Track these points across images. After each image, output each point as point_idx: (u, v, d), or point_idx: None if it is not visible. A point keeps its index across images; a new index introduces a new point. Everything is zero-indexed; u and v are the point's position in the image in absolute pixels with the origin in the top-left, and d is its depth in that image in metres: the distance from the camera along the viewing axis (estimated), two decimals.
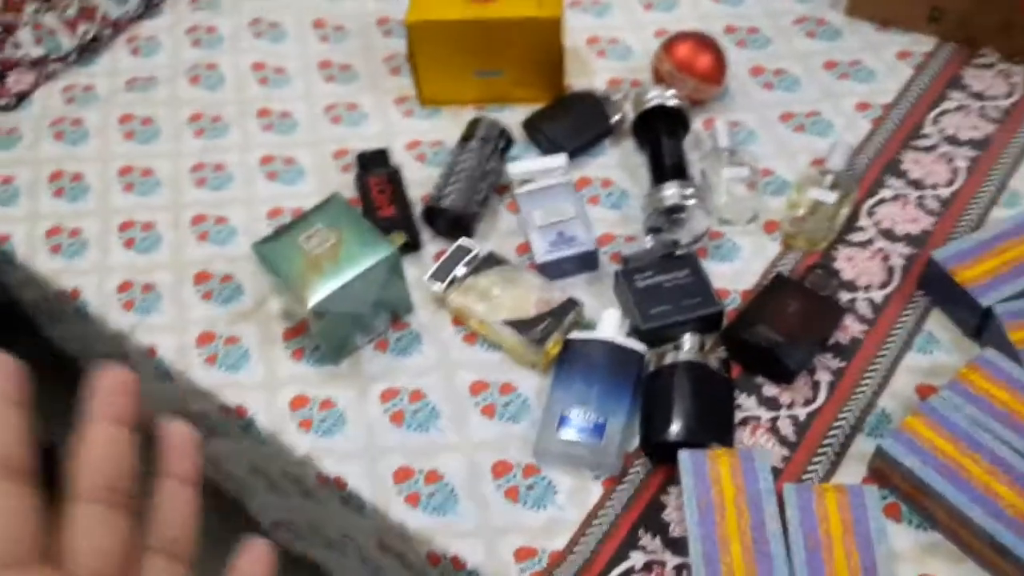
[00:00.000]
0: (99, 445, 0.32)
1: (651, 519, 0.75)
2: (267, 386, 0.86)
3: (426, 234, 0.96)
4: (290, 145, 1.06)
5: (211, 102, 1.12)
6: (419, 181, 1.00)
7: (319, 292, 0.81)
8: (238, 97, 1.12)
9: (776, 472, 0.77)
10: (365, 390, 0.85)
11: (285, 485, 0.91)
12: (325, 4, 1.22)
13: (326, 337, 0.85)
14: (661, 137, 0.96)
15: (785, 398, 0.81)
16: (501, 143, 0.98)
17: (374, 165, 0.98)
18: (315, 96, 1.11)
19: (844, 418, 0.79)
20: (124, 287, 0.95)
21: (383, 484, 0.79)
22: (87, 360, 1.11)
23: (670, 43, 1.02)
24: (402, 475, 0.79)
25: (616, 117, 1.02)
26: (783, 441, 0.78)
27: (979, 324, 0.81)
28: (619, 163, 1.01)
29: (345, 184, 1.00)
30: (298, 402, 0.85)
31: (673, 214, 0.91)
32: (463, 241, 0.91)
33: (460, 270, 0.89)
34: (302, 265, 0.82)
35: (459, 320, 0.89)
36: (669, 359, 0.80)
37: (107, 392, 0.33)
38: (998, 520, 0.67)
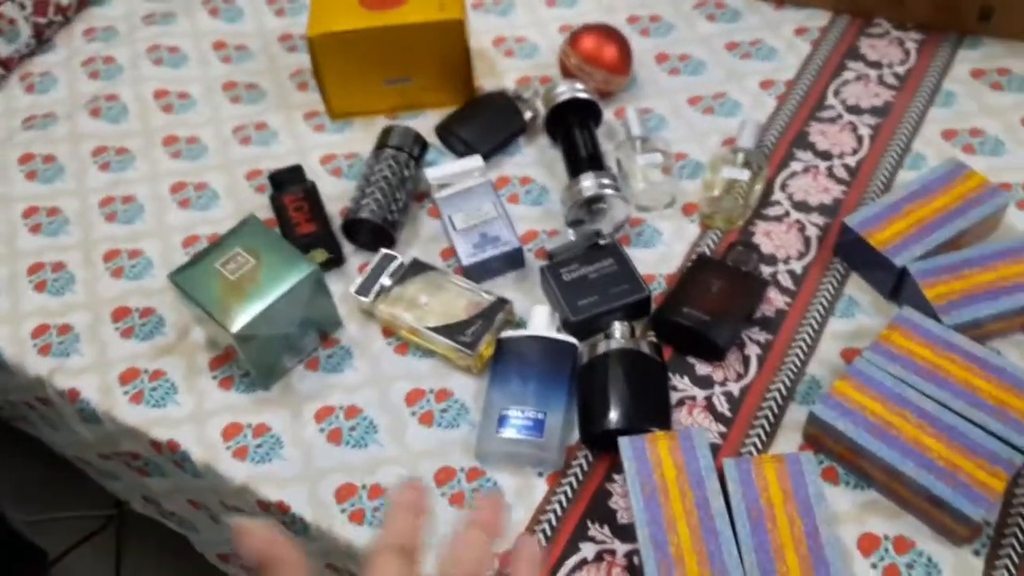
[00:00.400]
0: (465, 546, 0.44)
1: (598, 509, 0.75)
2: (197, 418, 0.84)
3: (348, 248, 0.95)
4: (200, 171, 1.04)
5: (115, 134, 1.09)
6: (337, 195, 0.99)
7: (242, 317, 0.79)
8: (143, 127, 1.09)
9: (715, 448, 0.78)
10: (299, 412, 0.84)
11: (226, 516, 0.89)
12: (224, 25, 1.20)
13: (254, 362, 0.83)
14: (574, 130, 0.97)
15: (718, 375, 0.82)
16: (416, 150, 0.98)
17: (288, 183, 0.96)
18: (222, 119, 1.09)
19: (776, 389, 0.81)
20: (39, 331, 0.91)
21: (326, 504, 0.78)
22: (11, 410, 1.06)
23: (575, 37, 1.03)
24: (345, 493, 0.78)
25: (528, 115, 1.02)
26: (719, 417, 0.79)
27: (895, 284, 0.84)
28: (536, 160, 1.01)
29: (261, 205, 0.98)
30: (231, 431, 0.83)
31: (593, 205, 0.91)
32: (386, 251, 0.90)
33: (386, 280, 0.88)
34: (222, 291, 0.80)
35: (389, 331, 0.88)
36: (601, 348, 0.81)
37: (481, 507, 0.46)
38: (929, 472, 0.69)
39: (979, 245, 0.82)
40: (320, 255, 0.91)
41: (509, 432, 0.78)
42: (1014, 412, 0.71)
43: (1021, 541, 0.70)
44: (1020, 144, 0.96)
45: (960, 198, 0.85)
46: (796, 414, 0.79)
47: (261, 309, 0.79)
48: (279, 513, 0.79)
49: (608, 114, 1.03)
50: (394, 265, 0.89)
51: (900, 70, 1.04)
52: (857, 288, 0.87)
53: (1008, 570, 0.69)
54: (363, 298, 0.88)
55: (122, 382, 0.87)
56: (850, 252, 0.87)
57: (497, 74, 1.10)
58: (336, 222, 0.96)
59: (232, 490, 0.82)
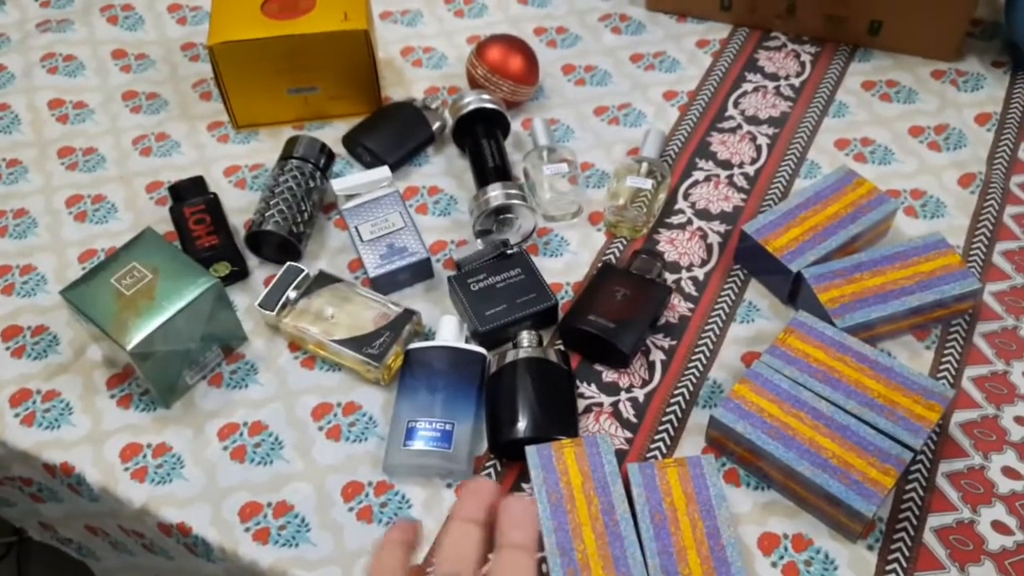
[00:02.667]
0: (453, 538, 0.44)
1: None
2: (93, 439, 0.81)
3: (253, 260, 0.93)
4: (98, 183, 1.01)
5: (6, 145, 1.04)
6: (241, 207, 0.97)
7: (138, 333, 0.77)
8: (36, 138, 1.05)
9: (622, 454, 0.79)
10: (201, 429, 0.81)
11: (126, 541, 0.86)
12: (124, 34, 1.17)
13: (153, 379, 0.81)
14: (481, 140, 0.97)
15: (624, 381, 0.83)
16: (322, 160, 0.97)
17: (189, 195, 0.94)
18: (121, 129, 1.06)
19: (679, 394, 0.82)
20: None
21: (229, 524, 0.76)
22: None
23: (482, 47, 1.03)
24: (249, 512, 0.76)
25: (436, 125, 1.02)
26: (625, 423, 0.81)
27: (792, 289, 0.86)
28: (444, 170, 1.01)
29: (162, 218, 0.96)
30: (129, 451, 0.80)
31: (500, 215, 0.92)
32: (291, 263, 0.89)
33: (291, 293, 0.87)
34: (117, 307, 0.78)
35: (296, 345, 0.87)
36: (509, 358, 0.81)
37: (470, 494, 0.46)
38: (824, 471, 0.72)
39: (870, 250, 0.86)
40: (223, 268, 0.89)
41: (417, 444, 0.77)
42: (902, 410, 0.74)
43: (911, 535, 0.73)
44: (908, 153, 1.00)
45: (851, 205, 0.89)
46: (699, 418, 0.81)
47: (158, 324, 0.77)
48: (181, 535, 0.77)
49: (515, 124, 1.04)
50: (300, 278, 0.88)
51: (796, 82, 1.07)
52: (757, 293, 0.89)
53: (899, 563, 0.72)
54: (268, 312, 0.86)
55: (12, 404, 0.84)
56: (749, 258, 0.90)
57: (405, 84, 1.09)
58: (240, 235, 0.94)
59: (131, 513, 0.79)
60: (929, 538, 0.73)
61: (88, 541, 0.93)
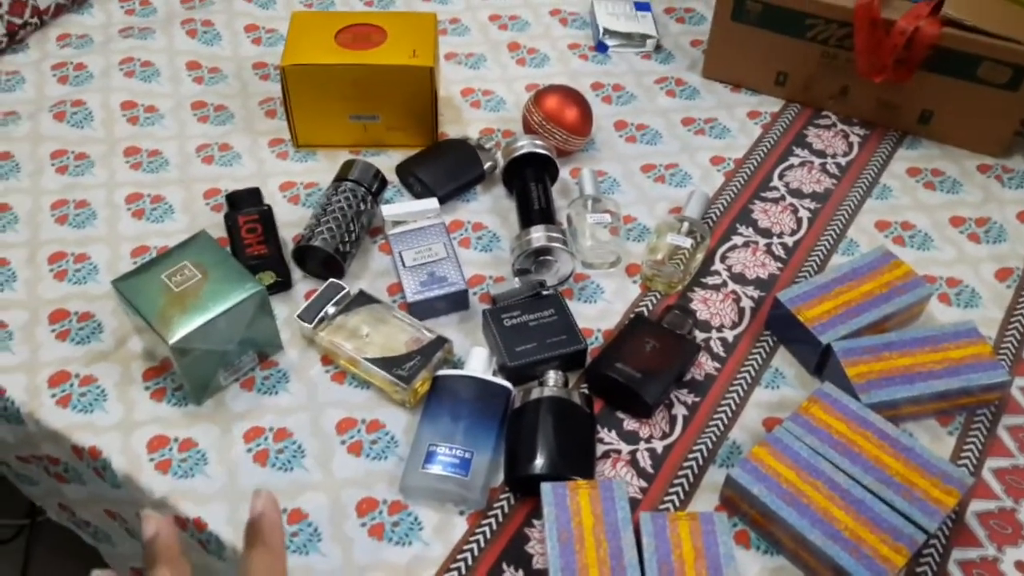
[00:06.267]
0: None
1: (515, 552, 0.76)
2: (123, 427, 0.83)
3: (297, 274, 0.96)
4: (159, 183, 1.05)
5: (76, 139, 1.09)
6: (292, 222, 1.00)
7: (181, 329, 0.79)
8: (106, 135, 1.10)
9: (635, 503, 0.79)
10: (228, 429, 0.83)
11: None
12: (200, 46, 1.22)
13: (189, 376, 0.83)
14: (529, 184, 1.00)
15: (644, 432, 0.84)
16: (375, 185, 1.00)
17: (244, 204, 0.97)
18: (187, 135, 1.10)
19: (698, 450, 0.83)
20: None
21: (244, 525, 0.77)
22: None
23: (540, 95, 1.07)
24: None
25: (488, 164, 1.05)
26: (641, 473, 0.81)
27: (820, 360, 0.87)
28: (490, 208, 1.04)
29: (216, 224, 0.99)
30: (157, 443, 0.83)
31: (540, 256, 0.94)
32: (334, 280, 0.92)
33: (330, 309, 0.89)
34: (164, 302, 0.81)
35: (329, 359, 0.89)
36: (534, 395, 0.82)
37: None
38: (835, 542, 0.72)
39: (901, 331, 0.87)
40: (268, 277, 0.92)
41: (435, 468, 0.79)
42: (919, 492, 0.75)
43: None
44: (947, 241, 1.01)
45: (887, 285, 0.90)
46: (715, 476, 0.81)
47: (201, 323, 0.80)
48: (196, 531, 0.79)
49: (564, 172, 1.07)
50: (340, 295, 0.90)
51: (842, 161, 1.09)
52: (784, 361, 0.90)
53: None
54: (306, 323, 0.88)
55: (50, 385, 0.86)
56: (780, 326, 0.91)
57: (462, 122, 1.13)
58: (288, 247, 0.97)
59: (150, 503, 0.81)
60: None
61: (106, 525, 0.94)
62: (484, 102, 1.16)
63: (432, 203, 0.97)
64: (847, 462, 0.77)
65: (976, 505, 0.79)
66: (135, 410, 0.85)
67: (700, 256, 0.97)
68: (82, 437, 0.83)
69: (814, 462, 0.77)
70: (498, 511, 0.79)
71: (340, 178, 0.99)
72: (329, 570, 0.75)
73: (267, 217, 0.96)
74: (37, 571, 1.33)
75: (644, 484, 0.81)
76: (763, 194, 1.06)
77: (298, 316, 0.89)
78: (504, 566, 0.75)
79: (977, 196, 1.06)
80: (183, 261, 0.84)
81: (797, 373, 0.89)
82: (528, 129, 1.08)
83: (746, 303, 0.95)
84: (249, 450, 0.82)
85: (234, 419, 0.84)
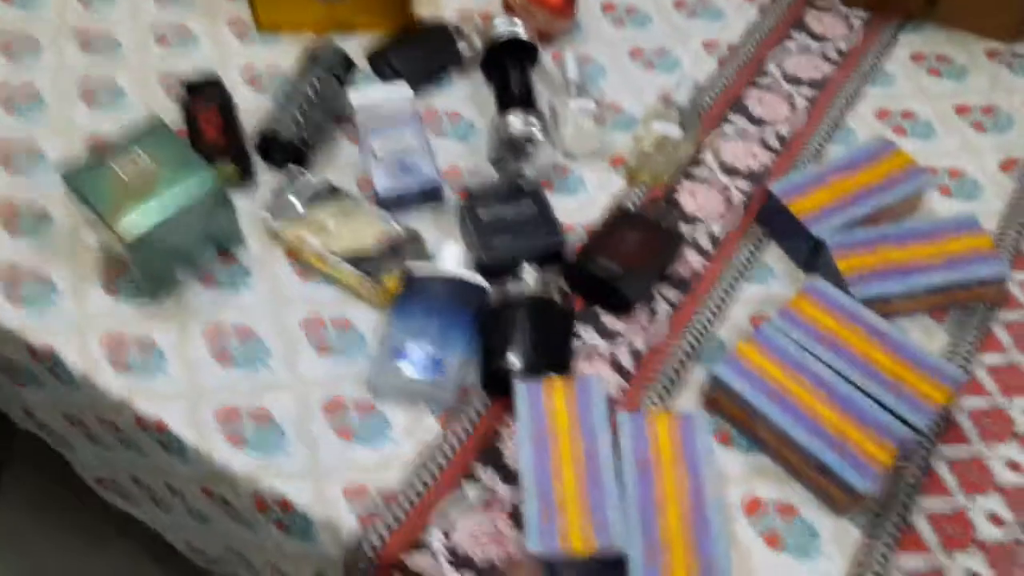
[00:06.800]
0: None
1: (488, 452, 0.74)
2: (78, 326, 0.79)
3: (260, 165, 0.90)
4: (112, 69, 0.98)
5: (22, 20, 1.02)
6: (254, 110, 0.94)
7: (134, 223, 0.74)
8: (55, 17, 1.02)
9: (614, 402, 0.76)
10: (187, 327, 0.80)
11: (103, 434, 0.85)
12: None
13: (144, 272, 0.79)
14: (509, 68, 0.94)
15: (624, 329, 0.81)
16: (342, 71, 0.93)
17: (202, 91, 0.91)
18: (143, 18, 1.03)
19: (681, 348, 0.80)
20: None
21: (206, 426, 0.74)
22: None
23: None
24: (226, 416, 0.75)
25: (464, 48, 0.98)
26: (621, 371, 0.78)
27: (811, 256, 0.83)
28: (468, 96, 0.98)
29: (173, 112, 0.93)
30: (113, 341, 0.79)
31: (517, 144, 0.88)
32: (299, 171, 0.86)
33: (295, 201, 0.84)
34: (117, 195, 0.76)
35: (294, 254, 0.85)
36: (511, 291, 0.78)
37: None
38: (819, 439, 0.69)
39: (896, 223, 0.82)
40: (227, 168, 0.87)
41: (405, 367, 0.75)
42: (908, 388, 0.71)
43: (903, 516, 0.71)
44: (950, 131, 0.96)
45: (884, 175, 0.85)
46: (699, 375, 0.78)
47: (154, 215, 0.75)
48: (156, 432, 0.76)
49: (546, 58, 1.00)
50: (306, 187, 0.85)
51: (843, 45, 1.03)
52: (774, 257, 0.86)
53: (884, 543, 0.69)
54: (270, 217, 0.84)
55: (3, 282, 0.82)
56: (771, 220, 0.86)
57: (437, 5, 1.05)
58: (250, 136, 0.91)
59: (109, 404, 0.77)
60: (919, 521, 0.70)
61: (68, 429, 0.92)
62: None
63: (404, 89, 0.91)
64: (835, 358, 0.73)
65: (968, 402, 0.77)
66: (90, 307, 0.81)
67: (689, 146, 0.91)
68: (35, 336, 0.79)
69: (800, 358, 0.73)
70: (471, 411, 0.76)
71: (305, 62, 0.93)
72: (294, 471, 0.72)
73: (227, 105, 0.90)
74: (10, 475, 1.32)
75: (624, 384, 0.77)
76: (758, 81, 0.99)
77: (261, 209, 0.83)
78: (476, 466, 0.73)
79: (984, 83, 1.00)
80: (135, 151, 0.78)
81: (788, 269, 0.85)
82: (508, 10, 1.00)
83: (736, 196, 0.90)
84: (210, 349, 0.78)
85: (194, 316, 0.80)
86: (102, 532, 1.20)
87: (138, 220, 0.74)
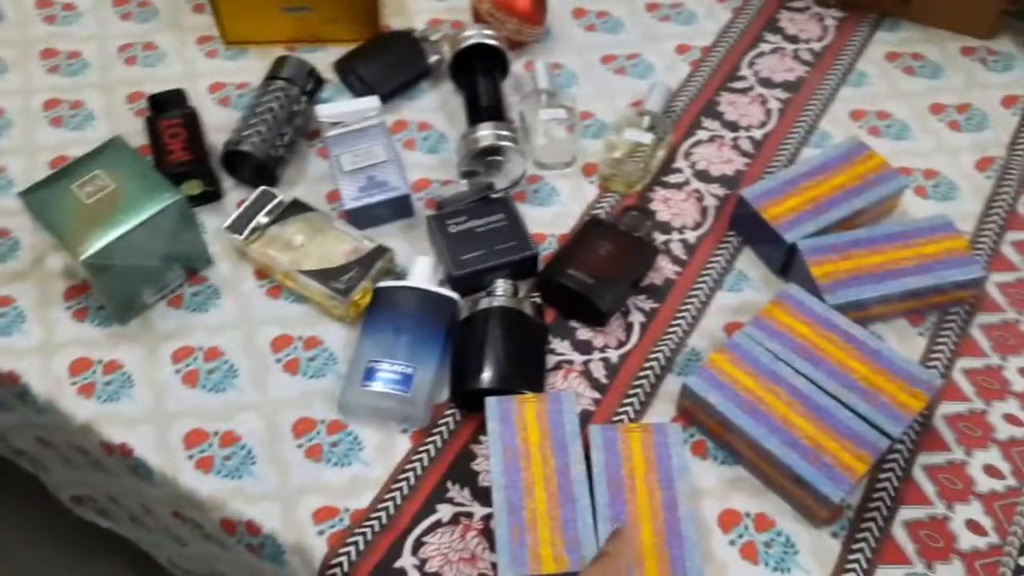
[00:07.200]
0: None
1: (460, 470, 0.72)
2: (43, 350, 0.78)
3: (229, 182, 0.89)
4: (78, 88, 0.97)
5: None
6: (223, 125, 0.93)
7: (94, 244, 0.73)
8: (20, 36, 1.01)
9: (587, 415, 0.75)
10: (155, 350, 0.78)
11: (74, 456, 0.83)
12: None
13: (109, 294, 0.77)
14: (478, 78, 0.93)
15: (598, 341, 0.79)
16: (309, 84, 0.92)
17: (167, 107, 0.90)
18: (108, 34, 1.02)
19: (655, 359, 0.78)
20: None
21: (173, 449, 0.73)
22: None
23: None
24: (194, 439, 0.73)
25: (434, 58, 0.97)
26: (595, 384, 0.77)
27: (785, 261, 0.82)
28: (437, 106, 0.96)
29: (140, 130, 0.92)
30: (79, 366, 0.77)
31: (489, 156, 0.87)
32: (265, 188, 0.85)
33: (262, 219, 0.83)
34: (76, 215, 0.75)
35: (263, 273, 0.84)
36: (482, 305, 0.77)
37: None
38: (794, 450, 0.68)
39: (871, 227, 0.81)
40: (194, 186, 0.86)
41: (376, 385, 0.74)
42: (885, 396, 0.70)
43: (880, 526, 0.70)
44: (925, 130, 0.95)
45: (858, 178, 0.84)
46: (673, 385, 0.77)
47: (115, 237, 0.74)
48: (122, 456, 0.74)
49: (517, 66, 0.99)
50: (273, 203, 0.84)
51: (817, 46, 1.02)
52: (748, 263, 0.85)
53: (864, 554, 0.68)
54: (236, 235, 0.82)
55: None
56: (745, 226, 0.85)
57: (407, 13, 1.04)
58: (218, 154, 0.90)
59: (75, 429, 0.76)
60: (898, 531, 0.69)
61: (40, 453, 0.90)
62: None
63: (372, 102, 0.90)
64: (809, 367, 0.72)
65: (946, 408, 0.76)
66: (56, 332, 0.79)
67: (662, 153, 0.90)
68: (2, 362, 0.78)
69: (775, 368, 0.72)
70: (443, 428, 0.75)
71: (271, 77, 0.92)
72: (264, 493, 0.71)
73: (191, 121, 0.89)
74: None
75: (598, 396, 0.76)
76: (731, 84, 0.98)
77: (227, 227, 0.82)
78: (448, 485, 0.72)
79: (959, 81, 0.99)
80: (95, 170, 0.77)
81: (762, 275, 0.84)
82: (478, 19, 0.99)
83: (710, 202, 0.89)
84: (178, 371, 0.77)
85: (161, 339, 0.79)
86: (89, 547, 1.18)
87: (98, 239, 0.73)
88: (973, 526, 0.69)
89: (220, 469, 0.72)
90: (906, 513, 0.70)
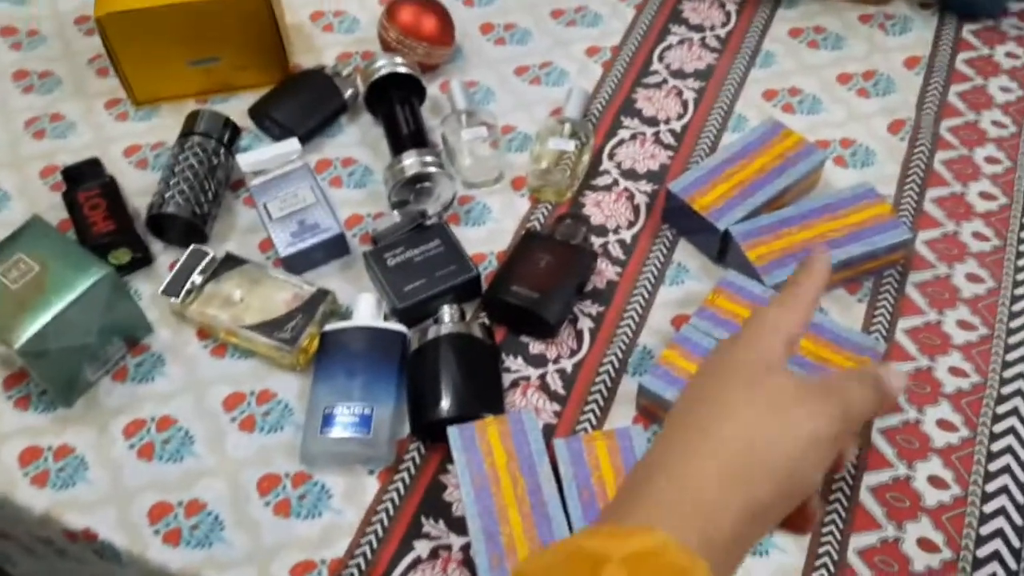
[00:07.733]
0: None
1: (432, 504, 0.72)
2: None
3: (158, 245, 0.88)
4: None
5: None
6: (144, 189, 0.91)
7: (26, 330, 0.71)
8: None
9: (550, 429, 0.76)
10: (106, 428, 0.77)
11: (37, 547, 0.81)
12: (13, 8, 1.09)
13: (49, 378, 0.75)
14: (396, 106, 0.93)
15: (551, 353, 0.80)
16: (226, 135, 0.91)
17: (83, 178, 0.88)
18: (13, 110, 0.99)
19: (609, 362, 0.79)
20: None
21: (137, 527, 0.71)
22: None
23: (392, 8, 0.98)
24: (158, 513, 0.72)
25: (349, 92, 0.97)
26: (554, 396, 0.77)
27: (721, 248, 0.83)
28: (359, 140, 0.96)
29: (58, 205, 0.89)
30: (29, 455, 0.75)
31: (417, 184, 0.87)
32: (195, 247, 0.84)
33: (196, 278, 0.82)
34: (3, 303, 0.73)
35: (205, 333, 0.82)
36: (431, 334, 0.77)
37: None
38: None
39: (797, 204, 0.83)
40: (123, 255, 0.84)
41: (335, 431, 0.73)
42: (834, 368, 0.72)
43: (847, 495, 0.71)
44: (836, 101, 0.97)
45: (779, 157, 0.86)
46: (630, 386, 0.78)
47: (47, 320, 0.72)
48: (86, 542, 0.72)
49: (433, 89, 0.99)
50: (205, 261, 0.83)
51: (722, 32, 1.04)
52: (686, 254, 0.86)
53: (836, 525, 0.70)
54: (172, 299, 0.81)
55: None
56: (677, 218, 0.87)
57: (315, 51, 1.04)
58: (143, 218, 0.88)
59: (34, 520, 0.74)
60: (865, 497, 0.71)
61: (2, 547, 0.88)
62: (337, 24, 1.06)
63: (292, 144, 0.89)
64: None
65: None
66: (1, 425, 0.77)
67: (586, 158, 0.91)
68: None
69: None
70: (409, 463, 0.74)
71: (185, 133, 0.90)
72: (237, 559, 0.70)
73: (110, 189, 0.87)
74: None
75: (558, 407, 0.77)
76: (645, 80, 1.00)
77: (162, 292, 0.81)
78: (423, 520, 0.71)
79: (861, 49, 1.02)
80: (16, 254, 0.75)
81: (701, 264, 0.85)
82: (387, 48, 0.99)
83: (640, 199, 0.90)
84: (132, 446, 0.76)
85: (110, 416, 0.77)
86: None
87: (30, 325, 0.71)
88: (936, 481, 0.72)
89: (189, 540, 0.71)
90: (870, 479, 0.72)
